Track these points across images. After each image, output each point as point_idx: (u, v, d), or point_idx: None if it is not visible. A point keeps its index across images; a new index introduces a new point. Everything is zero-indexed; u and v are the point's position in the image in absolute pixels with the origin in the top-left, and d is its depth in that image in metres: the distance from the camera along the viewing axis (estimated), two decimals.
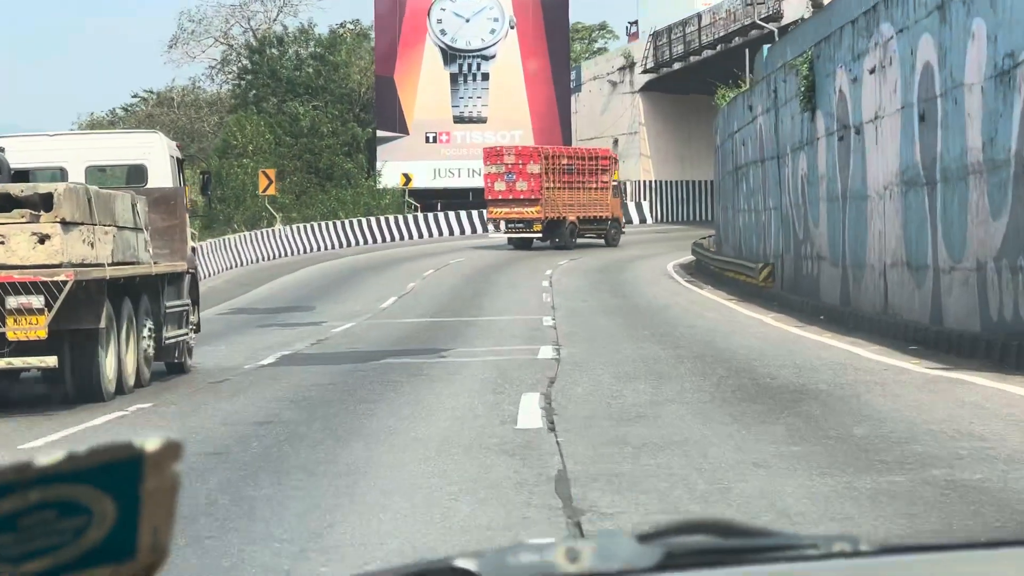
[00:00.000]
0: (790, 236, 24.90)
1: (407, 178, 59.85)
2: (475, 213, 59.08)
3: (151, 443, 0.94)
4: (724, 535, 1.31)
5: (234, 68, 68.44)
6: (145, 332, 14.44)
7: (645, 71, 61.74)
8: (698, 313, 22.97)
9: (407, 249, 50.26)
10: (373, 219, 54.73)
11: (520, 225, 46.45)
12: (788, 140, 24.52)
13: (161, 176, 16.34)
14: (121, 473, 0.93)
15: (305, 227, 49.21)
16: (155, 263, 14.90)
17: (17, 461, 0.91)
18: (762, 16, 52.82)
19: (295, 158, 61.35)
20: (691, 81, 61.90)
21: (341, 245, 51.97)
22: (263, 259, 44.33)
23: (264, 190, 46.26)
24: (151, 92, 79.41)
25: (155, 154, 16.56)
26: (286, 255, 46.49)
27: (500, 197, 46.90)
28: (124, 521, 0.94)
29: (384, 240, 54.65)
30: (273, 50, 65.92)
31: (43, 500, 0.91)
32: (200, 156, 63.60)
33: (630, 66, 63.70)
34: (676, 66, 59.80)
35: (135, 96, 79.23)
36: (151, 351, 14.68)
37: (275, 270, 40.16)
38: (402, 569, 1.25)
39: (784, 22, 51.83)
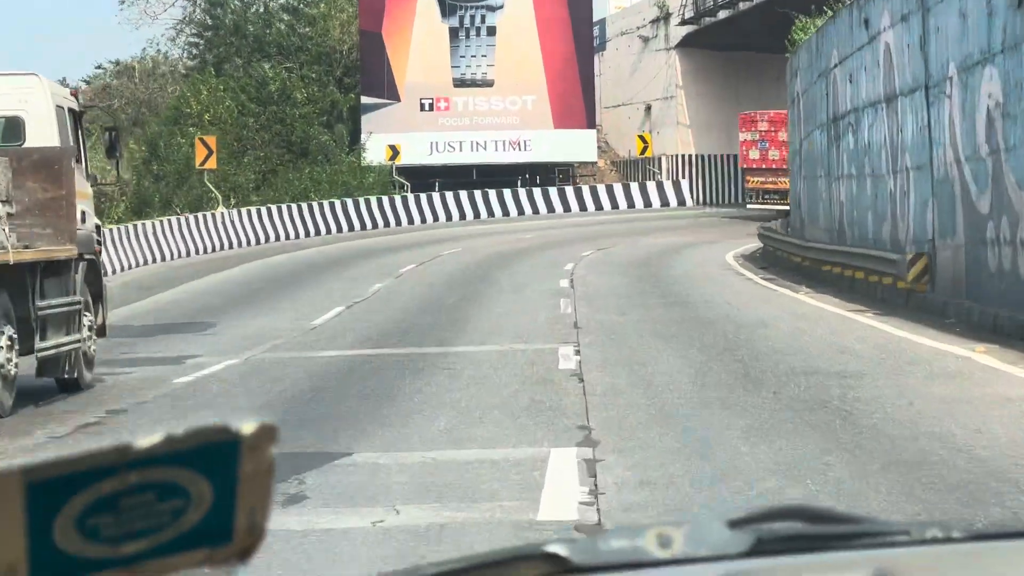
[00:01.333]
0: (955, 210, 16.07)
1: (394, 151, 51.07)
2: (478, 194, 50.21)
3: (248, 426, 0.97)
4: (814, 521, 1.34)
5: (195, 26, 59.63)
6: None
7: (683, 22, 52.81)
8: (826, 339, 14.15)
9: (393, 238, 41.60)
10: (351, 202, 45.95)
11: (776, 196, 44.27)
12: (955, 53, 15.66)
13: (43, 132, 13.56)
14: (219, 456, 0.97)
15: (260, 211, 40.47)
16: (24, 247, 12.10)
17: (117, 443, 0.93)
18: None
19: (262, 129, 52.61)
20: (740, 34, 52.92)
21: (311, 233, 43.30)
22: (199, 251, 35.74)
23: (202, 163, 37.54)
24: (115, 63, 70.98)
25: (34, 103, 13.73)
26: (234, 246, 37.85)
27: (754, 166, 46.05)
28: (221, 504, 0.98)
29: (367, 227, 45.95)
30: (236, 1, 57.11)
31: (142, 482, 0.95)
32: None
33: (665, 17, 54.77)
34: (722, 15, 50.85)
35: (98, 67, 70.56)
36: (12, 368, 11.34)
37: (206, 266, 31.51)
38: (492, 555, 1.26)
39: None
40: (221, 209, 38.03)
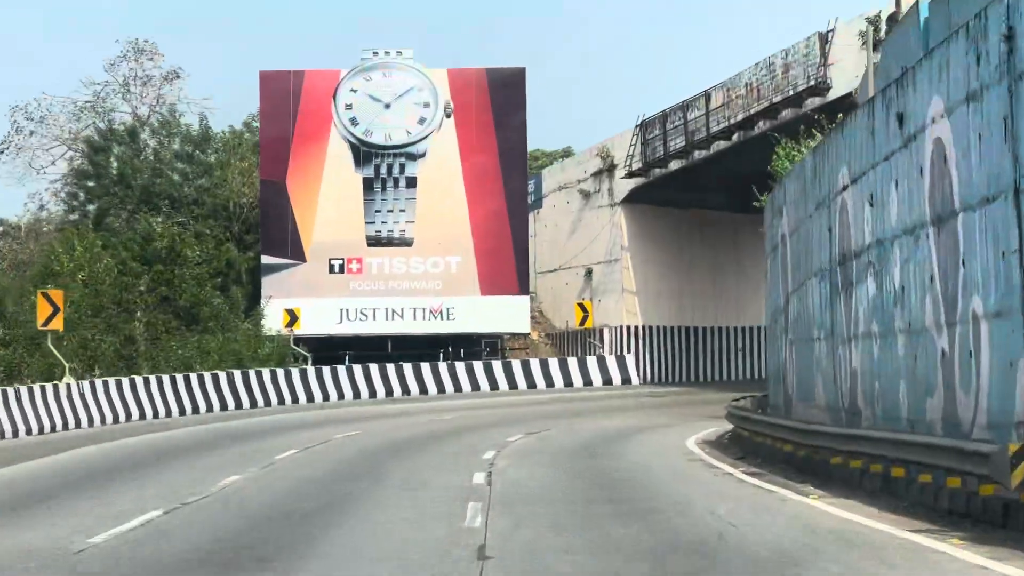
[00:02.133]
0: None
1: (291, 316, 45.26)
2: (391, 369, 44.39)
3: None
4: None
5: (75, 174, 54.02)
6: None
7: (630, 174, 47.93)
8: None
9: (284, 417, 35.53)
10: (240, 374, 39.89)
11: None
12: None
13: None
14: None
15: (123, 384, 34.29)
16: None
17: None
18: (799, 88, 39.37)
19: (148, 292, 46.72)
20: (694, 188, 48.15)
21: (188, 411, 37.11)
22: (42, 429, 29.52)
23: (45, 323, 31.48)
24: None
25: None
26: (83, 424, 31.57)
27: None
28: None
29: (258, 404, 39.84)
30: (122, 148, 51.67)
31: None
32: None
33: (609, 169, 49.92)
34: (673, 166, 46.04)
35: None
36: None
37: (23, 451, 25.24)
38: None
39: (831, 95, 38.45)
40: (67, 379, 31.81)
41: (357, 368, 43.64)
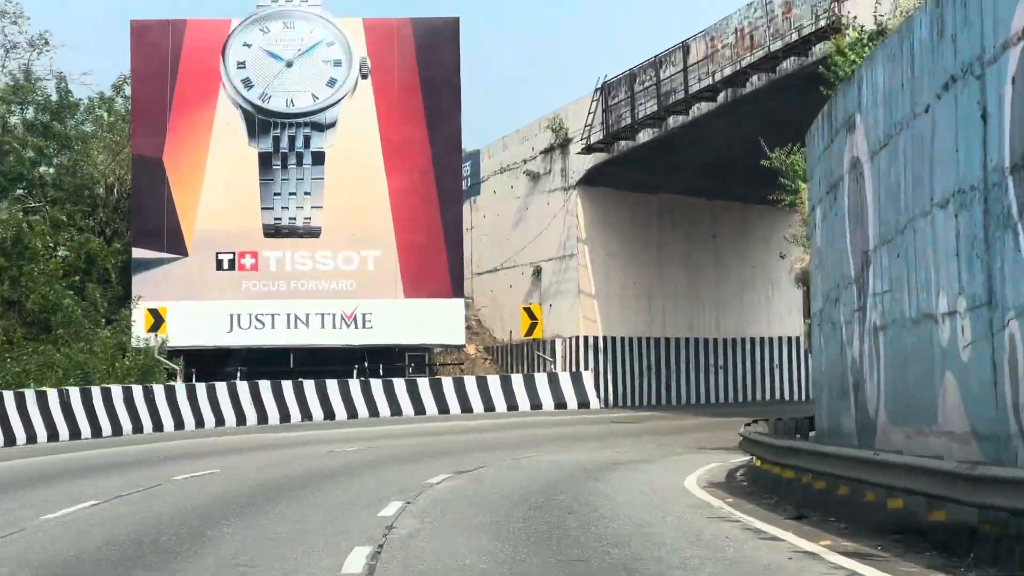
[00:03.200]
0: None
1: (155, 319, 37.34)
2: (287, 387, 36.51)
3: None
4: None
5: None
6: None
7: (589, 148, 40.37)
8: None
9: (122, 450, 27.52)
10: (79, 392, 31.83)
11: None
12: None
13: None
14: None
15: None
16: None
17: None
18: (805, 31, 32.06)
19: None
20: (666, 169, 40.75)
21: (16, 440, 29.11)
22: None
23: None
24: None
25: None
26: None
27: None
28: None
29: (103, 432, 31.84)
30: None
31: None
32: None
33: (562, 145, 42.35)
34: (643, 137, 38.53)
35: None
36: None
37: None
38: None
39: (852, 32, 30.98)
40: None
41: (243, 387, 35.69)
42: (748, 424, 22.48)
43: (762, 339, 44.17)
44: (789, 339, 44.58)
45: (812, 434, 24.81)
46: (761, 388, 44.04)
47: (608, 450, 25.40)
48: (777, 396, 44.20)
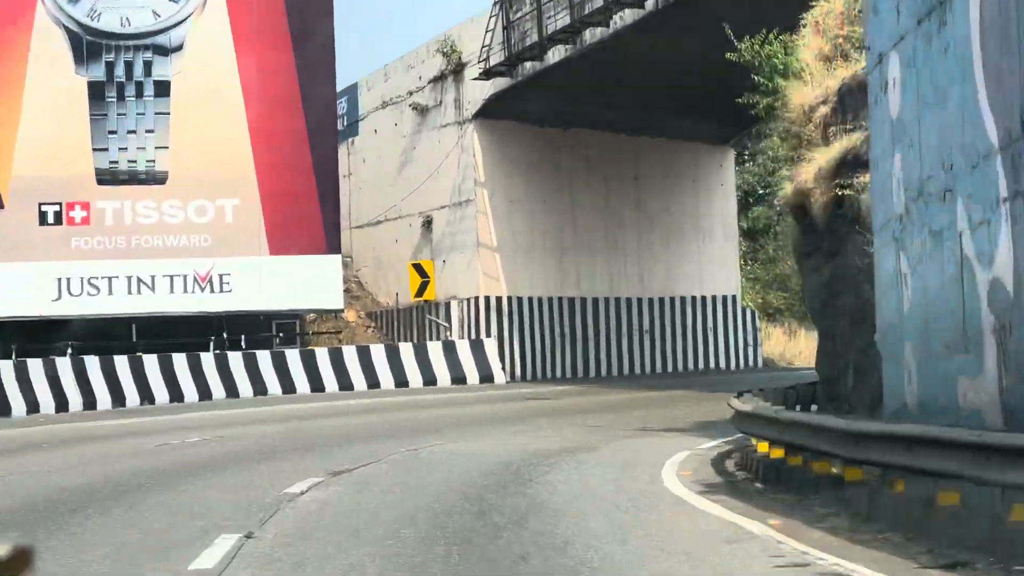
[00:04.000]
0: None
1: None
2: (121, 363, 30.56)
3: (1, 550, 0.88)
4: None
5: None
6: None
7: (487, 73, 34.72)
8: None
9: None
10: None
11: None
12: None
13: None
14: None
15: None
16: None
17: None
18: None
19: None
20: (581, 94, 35.37)
21: None
22: None
23: None
24: None
25: None
26: None
27: None
28: None
29: None
30: None
31: None
32: None
33: (455, 71, 36.67)
34: (553, 57, 32.98)
35: None
36: None
37: None
38: None
39: None
40: None
41: (64, 364, 29.61)
42: (739, 396, 17.44)
43: (693, 298, 39.02)
44: (724, 298, 39.47)
45: (814, 408, 19.73)
46: (693, 356, 38.90)
47: (529, 435, 20.09)
48: (712, 364, 39.11)
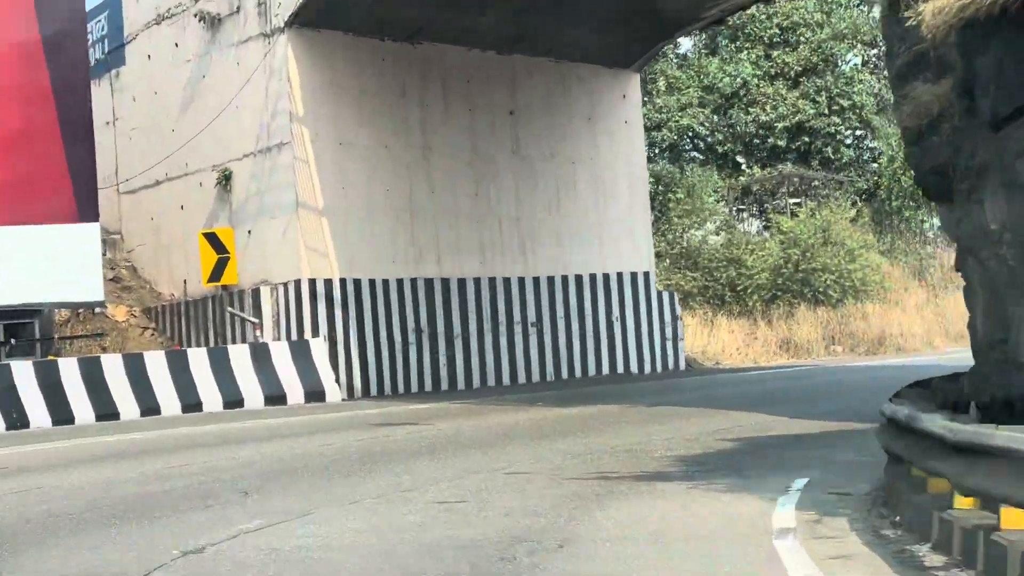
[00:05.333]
0: None
1: None
2: None
3: None
4: None
5: None
6: None
7: None
8: None
9: None
10: None
11: None
12: None
13: None
14: None
15: None
16: None
17: None
18: None
19: None
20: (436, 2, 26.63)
21: None
22: None
23: None
24: None
25: None
26: None
27: None
28: None
29: None
30: None
31: None
32: None
33: None
34: None
35: None
36: None
37: None
38: None
39: None
40: None
41: None
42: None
43: (592, 277, 30.49)
44: (633, 277, 31.02)
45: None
46: (595, 356, 30.39)
47: (415, 498, 11.76)
48: (621, 367, 30.65)
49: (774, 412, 19.27)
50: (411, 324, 27.80)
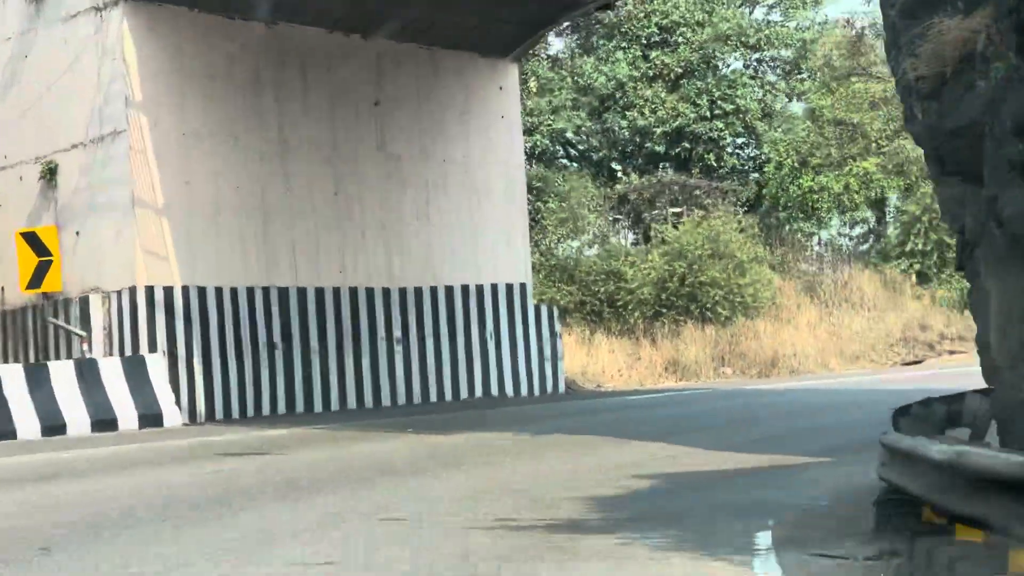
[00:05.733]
0: None
1: None
2: None
3: None
4: None
5: None
6: None
7: None
8: None
9: None
10: None
11: None
12: None
13: None
14: None
15: None
16: None
17: None
18: None
19: None
20: None
21: None
22: None
23: None
24: None
25: None
26: None
27: None
28: None
29: None
30: None
31: None
32: None
33: None
34: None
35: None
36: None
37: None
38: None
39: None
40: None
41: None
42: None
43: (465, 289, 28.02)
44: (509, 289, 28.63)
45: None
46: (468, 377, 27.91)
47: (276, 564, 9.02)
48: (495, 390, 28.21)
49: (686, 442, 16.93)
50: (263, 339, 25.03)
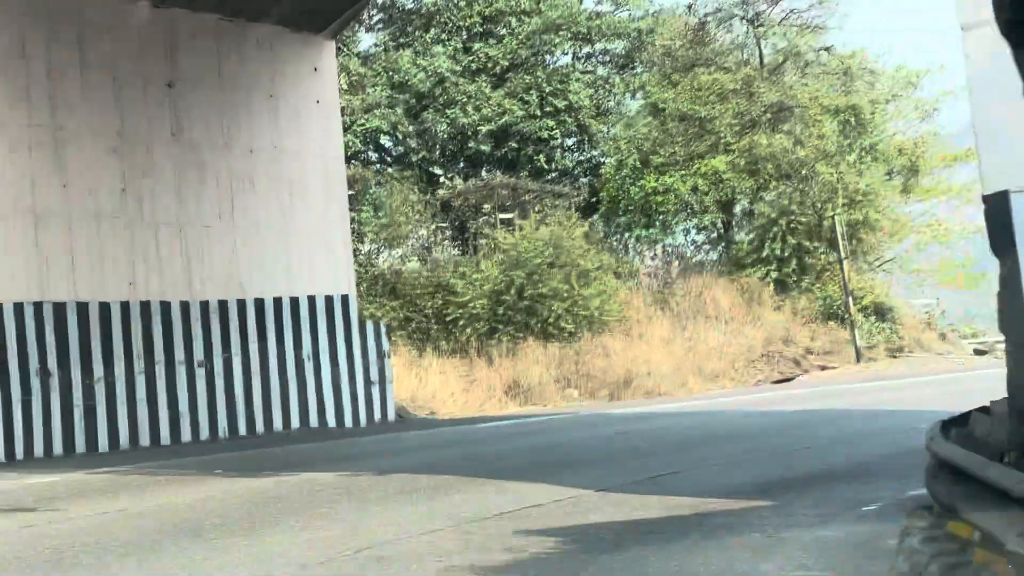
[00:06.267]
0: None
1: None
2: None
3: None
4: None
5: None
6: None
7: None
8: None
9: None
10: None
11: None
12: None
13: None
14: None
15: None
16: None
17: None
18: None
19: None
20: None
21: None
22: None
23: None
24: None
25: None
26: None
27: None
28: None
29: None
30: None
31: None
32: None
33: None
34: None
35: None
36: None
37: None
38: None
39: None
40: None
41: None
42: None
43: (278, 303, 24.56)
44: (329, 302, 25.25)
45: None
46: (282, 403, 24.38)
47: None
48: (315, 420, 24.76)
49: (565, 482, 13.68)
50: (33, 363, 21.26)
